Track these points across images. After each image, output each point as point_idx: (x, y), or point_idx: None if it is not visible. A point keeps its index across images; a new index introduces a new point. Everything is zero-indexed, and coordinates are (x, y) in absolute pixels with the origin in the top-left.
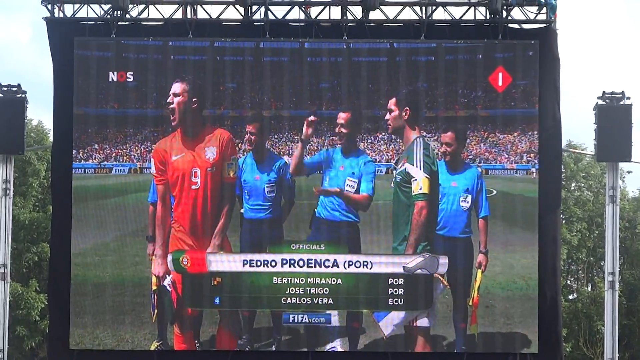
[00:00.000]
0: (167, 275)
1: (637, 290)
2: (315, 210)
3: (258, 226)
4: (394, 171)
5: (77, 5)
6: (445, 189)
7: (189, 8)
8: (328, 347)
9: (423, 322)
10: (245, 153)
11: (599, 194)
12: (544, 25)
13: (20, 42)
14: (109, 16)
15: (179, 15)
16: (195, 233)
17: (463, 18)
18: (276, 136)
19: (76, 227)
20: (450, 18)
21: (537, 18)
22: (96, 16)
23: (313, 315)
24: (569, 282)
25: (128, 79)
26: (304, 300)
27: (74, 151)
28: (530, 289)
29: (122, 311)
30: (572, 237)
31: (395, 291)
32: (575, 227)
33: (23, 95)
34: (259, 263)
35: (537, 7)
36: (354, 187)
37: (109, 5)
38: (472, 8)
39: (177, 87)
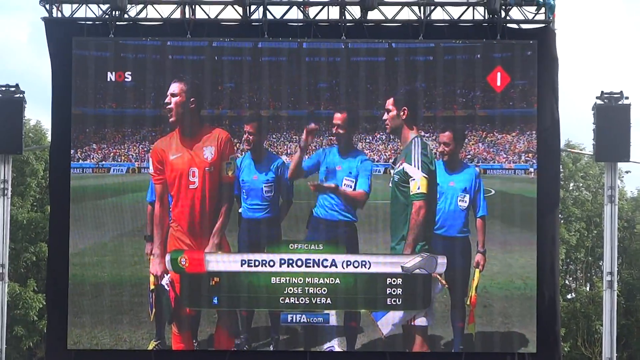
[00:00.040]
0: (165, 275)
1: (636, 290)
2: (313, 210)
3: (256, 226)
4: (392, 171)
5: (75, 5)
6: (443, 189)
7: (187, 8)
8: (326, 346)
9: (421, 321)
10: (243, 153)
11: (597, 194)
12: (543, 25)
13: (19, 42)
14: (107, 16)
15: (177, 15)
16: (194, 233)
17: (461, 18)
18: (274, 136)
19: (74, 227)
20: (449, 18)
21: (535, 18)
22: (94, 16)
23: (311, 315)
24: (567, 281)
25: (126, 79)
26: (302, 300)
27: (72, 151)
28: (528, 289)
29: (120, 311)
30: (570, 236)
31: (394, 291)
32: (574, 227)
33: (21, 95)
34: (257, 263)
35: (535, 7)
36: (351, 187)
37: (107, 5)
38: (471, 8)
39: (174, 87)
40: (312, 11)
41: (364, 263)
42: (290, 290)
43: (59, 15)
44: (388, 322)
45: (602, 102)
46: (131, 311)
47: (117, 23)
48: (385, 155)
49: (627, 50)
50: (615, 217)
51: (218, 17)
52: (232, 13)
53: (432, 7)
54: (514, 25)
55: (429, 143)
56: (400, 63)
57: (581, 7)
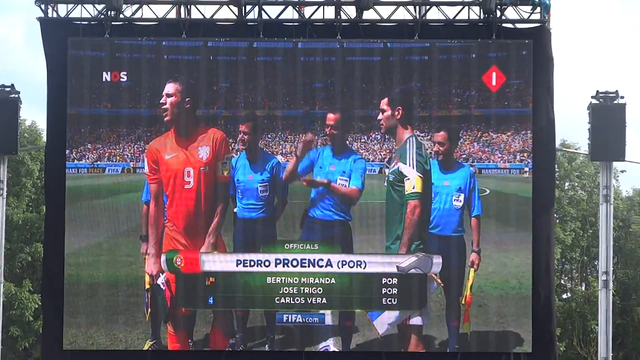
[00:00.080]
0: (160, 274)
1: (631, 289)
2: (307, 209)
3: (251, 225)
4: (387, 170)
5: (70, 6)
6: (438, 188)
7: (182, 8)
8: (321, 345)
9: (416, 320)
10: (238, 152)
11: (592, 194)
12: (538, 24)
13: (14, 42)
14: (102, 16)
15: (172, 15)
16: (189, 232)
17: (457, 18)
18: (269, 136)
19: (69, 227)
20: (444, 18)
21: (530, 17)
22: (90, 16)
23: (307, 315)
24: (562, 281)
25: (121, 79)
26: (297, 300)
27: (67, 151)
28: (523, 288)
29: (115, 311)
30: (565, 236)
31: (389, 291)
32: (569, 227)
33: (16, 96)
34: (252, 263)
35: (531, 7)
36: (345, 186)
37: (102, 6)
38: (466, 8)
39: (170, 88)
40: (308, 11)
41: (359, 263)
42: (286, 290)
43: (55, 15)
44: (384, 321)
45: (598, 102)
46: (127, 311)
47: (113, 23)
48: (381, 155)
49: (622, 49)
50: (610, 217)
51: (213, 17)
52: (227, 13)
53: (428, 7)
54: (510, 25)
55: (424, 143)
56: (395, 63)
57: (576, 6)
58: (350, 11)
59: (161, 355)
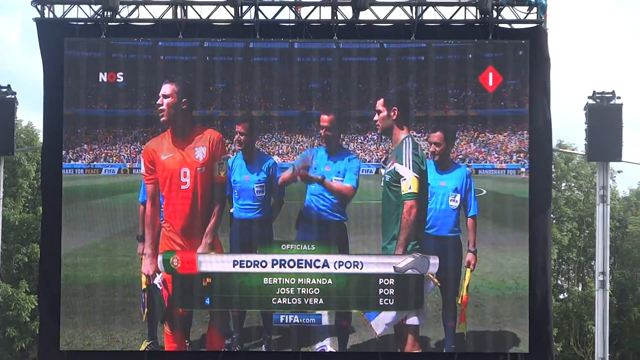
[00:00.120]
0: (157, 274)
1: (628, 289)
2: (302, 210)
3: (248, 226)
4: (383, 170)
5: (67, 6)
6: (434, 189)
7: (179, 8)
8: (317, 345)
9: (413, 320)
10: (234, 153)
11: (589, 194)
12: (535, 25)
13: (10, 42)
14: (99, 17)
15: (169, 15)
16: (186, 233)
17: (453, 18)
18: (266, 136)
19: (66, 228)
20: (441, 18)
21: (527, 18)
22: (86, 17)
23: (304, 315)
24: (559, 281)
25: (118, 80)
26: (294, 301)
27: (64, 152)
28: (520, 288)
29: (112, 311)
30: (562, 236)
31: (386, 291)
32: (566, 227)
33: (13, 96)
34: (249, 264)
35: (527, 7)
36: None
37: (99, 6)
38: (463, 8)
39: (166, 89)
40: (304, 11)
41: (356, 263)
42: (283, 290)
43: (51, 16)
44: (381, 322)
45: (594, 102)
46: (123, 311)
47: (109, 24)
48: (377, 155)
49: (619, 49)
50: (607, 217)
51: (210, 18)
52: (223, 13)
53: (424, 7)
54: (506, 25)
55: (420, 143)
56: (392, 63)
57: (573, 7)
58: (346, 11)
59: (158, 355)
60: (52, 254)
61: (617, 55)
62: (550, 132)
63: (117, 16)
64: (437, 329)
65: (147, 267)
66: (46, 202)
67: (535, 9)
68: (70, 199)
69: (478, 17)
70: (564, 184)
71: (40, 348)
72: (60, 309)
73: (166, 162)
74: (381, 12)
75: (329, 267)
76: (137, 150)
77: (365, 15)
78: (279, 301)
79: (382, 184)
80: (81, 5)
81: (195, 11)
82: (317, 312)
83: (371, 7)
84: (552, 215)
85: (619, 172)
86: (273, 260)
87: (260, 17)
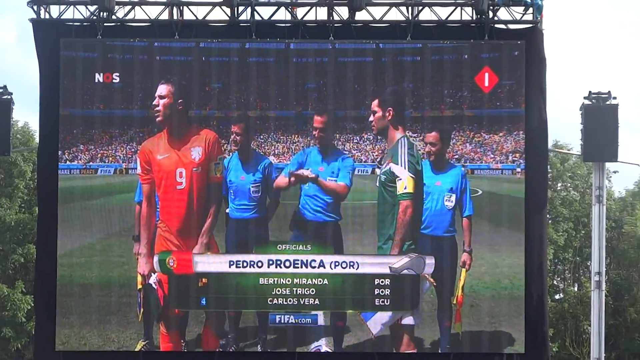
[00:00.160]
0: (152, 274)
1: (624, 290)
2: (297, 211)
3: (244, 226)
4: (378, 170)
5: (63, 7)
6: (430, 189)
7: (175, 9)
8: (313, 345)
9: (408, 320)
10: (230, 153)
11: (585, 194)
12: (530, 25)
13: (6, 43)
14: (95, 17)
15: (165, 16)
16: (182, 233)
17: (449, 18)
18: (262, 136)
19: (62, 228)
20: (437, 18)
21: (523, 18)
22: (82, 17)
23: (299, 316)
24: (555, 282)
25: (114, 80)
26: (290, 301)
27: (60, 152)
28: (515, 288)
29: (108, 311)
30: (558, 237)
31: (382, 292)
32: (562, 227)
33: (9, 97)
34: (245, 264)
35: (523, 8)
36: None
37: (95, 7)
38: (459, 8)
39: (162, 89)
40: (300, 12)
41: (352, 264)
42: (279, 291)
43: (47, 16)
44: (377, 322)
45: (590, 102)
46: (119, 311)
47: (105, 24)
48: (373, 155)
49: (614, 50)
50: (603, 217)
51: (206, 18)
52: (219, 14)
53: (420, 8)
54: (502, 26)
55: (416, 143)
56: (387, 63)
57: (569, 7)
58: (342, 12)
59: (153, 355)
60: (48, 254)
61: (613, 55)
62: (546, 132)
63: (113, 17)
64: (433, 329)
65: (142, 266)
66: (42, 203)
67: (531, 10)
68: (66, 199)
69: (474, 18)
70: (559, 184)
71: (36, 348)
72: (56, 309)
73: (162, 162)
74: (377, 12)
75: (324, 268)
76: (133, 150)
77: (361, 15)
78: (275, 301)
79: (377, 184)
80: (77, 6)
81: (191, 12)
82: (313, 312)
83: (367, 7)
84: (547, 216)
85: (614, 172)
86: (269, 260)
87: (256, 17)
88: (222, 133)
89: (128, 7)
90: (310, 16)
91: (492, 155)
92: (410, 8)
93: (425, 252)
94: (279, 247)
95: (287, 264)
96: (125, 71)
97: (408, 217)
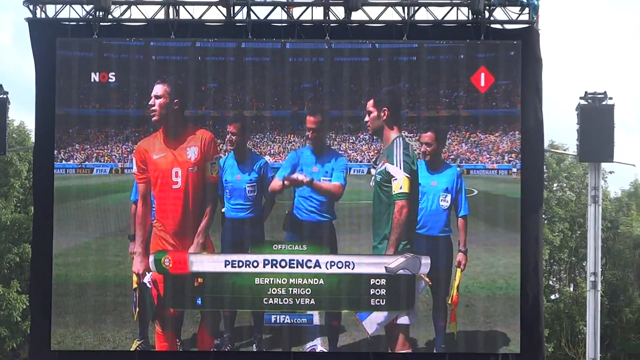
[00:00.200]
0: (147, 273)
1: (619, 290)
2: (291, 211)
3: (239, 225)
4: (374, 170)
5: (59, 6)
6: (425, 188)
7: (171, 8)
8: (308, 345)
9: (403, 320)
10: (226, 153)
11: (581, 194)
12: (527, 25)
13: (2, 42)
14: (91, 17)
15: (161, 15)
16: (177, 233)
17: (445, 18)
18: (257, 136)
19: (58, 228)
20: (433, 18)
21: (519, 18)
22: (78, 17)
23: (295, 316)
24: (551, 282)
25: (110, 80)
26: (286, 301)
27: (56, 151)
28: (511, 288)
29: (104, 311)
30: (554, 237)
31: (377, 291)
32: (558, 228)
33: (5, 96)
34: (240, 264)
35: (519, 8)
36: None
37: (91, 6)
38: (455, 8)
39: (158, 89)
40: (296, 12)
41: (347, 264)
42: (274, 290)
43: (43, 15)
44: (373, 322)
45: (586, 103)
46: (115, 311)
47: (101, 24)
48: (369, 155)
49: (610, 50)
50: (599, 218)
51: (202, 18)
52: (216, 14)
53: (416, 8)
54: (498, 26)
55: (412, 143)
56: (384, 63)
57: (565, 7)
58: (338, 12)
59: (148, 355)
60: (43, 254)
61: (609, 56)
62: (542, 132)
63: (109, 16)
64: (428, 329)
65: (137, 265)
66: (38, 202)
67: (527, 10)
68: (61, 198)
69: (470, 18)
70: (555, 185)
71: (31, 348)
72: (52, 309)
73: (158, 162)
74: (373, 12)
75: (320, 267)
76: (128, 150)
77: (357, 15)
78: (271, 301)
79: (373, 184)
80: (73, 5)
81: (188, 11)
82: (309, 312)
83: (363, 7)
84: (543, 216)
85: (610, 172)
86: (264, 260)
87: (253, 17)
88: (218, 133)
89: (124, 7)
90: (306, 16)
91: (488, 155)
92: (406, 8)
93: (421, 252)
94: (275, 247)
95: (283, 263)
96: (121, 71)
97: (403, 217)
